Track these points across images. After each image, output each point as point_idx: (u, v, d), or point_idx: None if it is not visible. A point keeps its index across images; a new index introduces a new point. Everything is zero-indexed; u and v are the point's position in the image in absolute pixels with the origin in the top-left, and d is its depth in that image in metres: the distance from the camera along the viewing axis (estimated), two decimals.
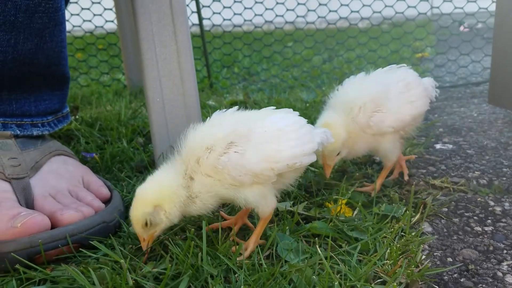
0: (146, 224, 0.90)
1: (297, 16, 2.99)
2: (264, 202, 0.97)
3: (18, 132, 1.23)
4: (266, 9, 2.95)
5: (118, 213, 1.13)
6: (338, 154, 1.22)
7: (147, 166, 1.42)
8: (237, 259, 0.94)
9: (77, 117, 1.96)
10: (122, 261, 0.89)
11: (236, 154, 0.90)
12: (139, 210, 0.91)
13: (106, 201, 1.18)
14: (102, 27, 2.95)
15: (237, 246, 0.96)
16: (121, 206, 1.17)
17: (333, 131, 1.12)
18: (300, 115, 1.05)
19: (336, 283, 0.79)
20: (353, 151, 1.27)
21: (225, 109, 1.04)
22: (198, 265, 0.90)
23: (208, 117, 1.01)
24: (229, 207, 1.23)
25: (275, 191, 1.01)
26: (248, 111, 1.03)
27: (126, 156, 1.50)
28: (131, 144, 1.62)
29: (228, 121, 0.97)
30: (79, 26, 2.94)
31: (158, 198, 0.92)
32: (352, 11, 2.87)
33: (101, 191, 1.19)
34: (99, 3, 2.87)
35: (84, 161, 1.47)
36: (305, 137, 0.99)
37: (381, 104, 1.21)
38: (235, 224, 1.10)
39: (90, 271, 0.85)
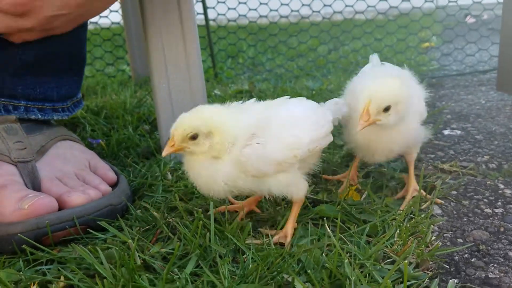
0: (191, 137, 0.88)
1: (302, 5, 2.97)
2: (295, 188, 0.96)
3: (40, 116, 1.24)
4: None
5: (125, 197, 1.12)
6: (388, 111, 1.00)
7: (153, 152, 1.42)
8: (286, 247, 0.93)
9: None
10: (130, 241, 0.88)
11: (258, 145, 0.89)
12: (196, 120, 0.89)
13: (113, 185, 1.18)
14: (107, 17, 2.94)
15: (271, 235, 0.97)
16: (128, 190, 1.16)
17: (397, 81, 1.02)
18: None
19: (346, 261, 0.78)
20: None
21: (242, 101, 1.02)
22: (206, 245, 0.89)
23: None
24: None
25: (303, 175, 1.00)
26: (264, 101, 1.02)
27: (132, 143, 1.50)
28: (137, 132, 1.62)
29: (249, 112, 0.96)
30: None
31: (221, 125, 0.89)
32: (357, 0, 2.84)
33: (108, 175, 1.18)
34: None
35: (90, 147, 1.46)
36: (321, 120, 0.99)
37: None
38: (242, 209, 1.09)
39: (98, 250, 0.85)
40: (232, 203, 1.13)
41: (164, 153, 0.90)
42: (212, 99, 2.17)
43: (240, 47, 3.44)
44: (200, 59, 1.43)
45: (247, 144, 0.89)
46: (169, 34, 1.37)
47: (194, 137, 0.88)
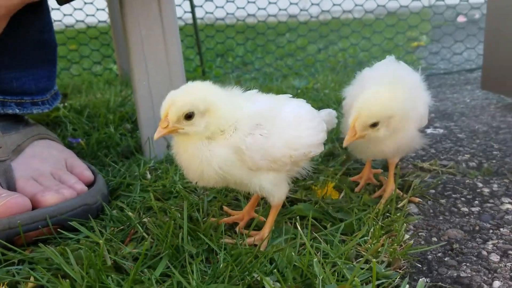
0: (187, 116, 0.81)
1: (290, 4, 2.97)
2: (277, 189, 0.93)
3: (17, 111, 1.23)
4: None
5: (101, 196, 1.11)
6: (376, 126, 0.97)
7: (133, 151, 1.41)
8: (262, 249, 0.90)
9: (65, 104, 1.94)
10: (100, 241, 0.87)
11: (261, 137, 0.85)
12: (192, 96, 0.83)
13: (90, 185, 1.17)
14: (93, 15, 2.92)
15: (249, 237, 0.95)
16: (105, 189, 1.15)
17: (387, 95, 0.97)
18: None
19: (315, 260, 0.78)
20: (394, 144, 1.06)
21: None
22: (178, 245, 0.89)
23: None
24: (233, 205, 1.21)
25: (288, 179, 0.97)
26: (265, 95, 0.97)
27: (112, 142, 1.49)
28: (119, 131, 1.61)
29: (254, 101, 0.91)
30: (70, 15, 2.91)
31: (218, 103, 0.85)
32: None
33: (84, 175, 1.17)
34: None
35: (70, 146, 1.45)
36: (319, 126, 0.97)
37: None
38: (242, 219, 1.05)
39: (67, 251, 0.84)
40: (231, 215, 1.08)
41: (156, 136, 0.83)
42: None
43: (229, 46, 3.43)
44: (181, 56, 1.42)
45: (250, 133, 0.84)
46: (148, 30, 1.36)
47: (189, 116, 0.82)
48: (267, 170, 0.88)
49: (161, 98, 1.40)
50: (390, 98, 0.97)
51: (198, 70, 2.89)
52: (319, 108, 1.92)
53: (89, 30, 3.10)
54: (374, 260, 0.73)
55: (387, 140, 1.02)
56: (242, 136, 0.84)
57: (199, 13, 2.89)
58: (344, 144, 0.97)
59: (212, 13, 2.99)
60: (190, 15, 2.78)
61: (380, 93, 0.97)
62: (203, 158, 0.84)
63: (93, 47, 3.12)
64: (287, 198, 1.14)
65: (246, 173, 0.87)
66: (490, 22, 2.01)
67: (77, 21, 2.96)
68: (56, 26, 3.18)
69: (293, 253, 0.84)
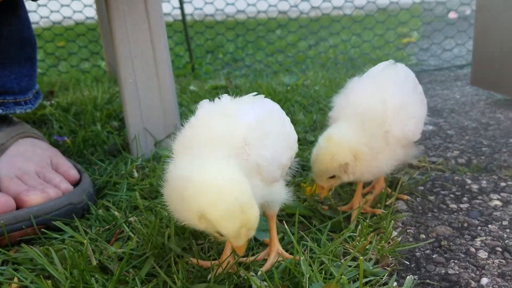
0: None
1: (280, 0, 2.95)
2: (280, 198, 0.85)
3: (0, 111, 1.20)
4: None
5: (87, 195, 1.10)
6: (334, 177, 0.96)
7: (120, 150, 1.39)
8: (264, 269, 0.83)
9: (52, 102, 1.92)
10: (85, 241, 0.86)
11: (272, 146, 0.78)
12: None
13: (76, 184, 1.15)
14: (81, 11, 2.89)
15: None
16: (91, 188, 1.14)
17: (333, 147, 0.93)
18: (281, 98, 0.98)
19: (302, 258, 0.77)
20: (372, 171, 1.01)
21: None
22: (165, 244, 0.87)
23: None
24: None
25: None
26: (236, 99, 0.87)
27: (99, 140, 1.47)
28: (106, 128, 1.59)
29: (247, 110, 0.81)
30: (58, 11, 2.88)
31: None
32: None
33: (69, 173, 1.16)
34: None
35: (56, 144, 1.43)
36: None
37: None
38: None
39: (51, 251, 0.82)
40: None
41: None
42: (187, 95, 2.14)
43: (219, 43, 3.41)
44: (168, 53, 1.40)
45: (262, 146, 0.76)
46: (134, 26, 1.34)
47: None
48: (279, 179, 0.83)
49: (149, 97, 1.40)
50: (335, 150, 0.92)
51: (187, 67, 2.87)
52: (309, 104, 1.92)
53: (77, 26, 3.07)
54: (362, 257, 0.72)
55: (381, 160, 0.99)
56: (254, 151, 0.75)
57: (188, 9, 2.87)
58: (320, 198, 1.01)
59: (201, 9, 2.97)
60: (179, 11, 2.76)
61: (326, 147, 0.93)
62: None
63: (81, 44, 3.08)
64: None
65: (267, 190, 0.79)
66: (479, 18, 2.01)
67: (64, 17, 2.92)
68: (44, 23, 3.15)
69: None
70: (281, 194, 0.83)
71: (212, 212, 0.64)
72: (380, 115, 0.97)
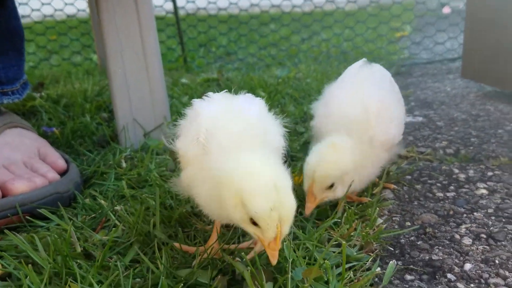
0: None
1: None
2: None
3: None
4: None
5: (74, 185, 1.10)
6: (332, 187, 0.93)
7: (109, 141, 1.39)
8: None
9: (42, 94, 1.91)
10: (69, 227, 0.86)
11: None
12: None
13: (63, 174, 1.15)
14: (72, 4, 2.87)
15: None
16: (78, 178, 1.14)
17: (337, 154, 0.92)
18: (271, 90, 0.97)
19: (285, 243, 0.77)
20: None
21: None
22: (150, 232, 0.87)
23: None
24: None
25: None
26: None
27: (88, 131, 1.47)
28: (95, 120, 1.58)
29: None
30: (49, 4, 2.86)
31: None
32: None
33: (57, 163, 1.15)
34: None
35: (44, 135, 1.43)
36: None
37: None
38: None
39: (35, 238, 0.82)
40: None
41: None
42: (179, 88, 2.14)
43: (211, 36, 3.40)
44: (157, 45, 1.40)
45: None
46: (123, 18, 1.33)
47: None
48: None
49: (138, 88, 1.40)
50: (340, 157, 0.92)
51: (180, 60, 2.87)
52: (300, 97, 1.92)
53: (69, 19, 3.05)
54: (345, 242, 0.73)
55: (368, 168, 0.99)
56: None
57: (180, 2, 2.86)
58: (306, 213, 0.92)
59: (193, 1, 2.96)
60: (171, 4, 2.75)
61: (330, 154, 0.91)
62: None
63: (72, 37, 3.07)
64: None
65: None
66: (470, 11, 2.01)
67: (56, 10, 2.90)
68: (36, 17, 3.13)
69: None
70: None
71: (245, 189, 0.65)
72: (363, 122, 0.97)
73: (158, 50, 1.40)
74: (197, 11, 3.19)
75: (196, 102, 0.82)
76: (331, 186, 0.92)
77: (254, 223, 0.66)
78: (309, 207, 0.91)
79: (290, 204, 0.66)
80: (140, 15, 1.35)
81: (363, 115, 0.96)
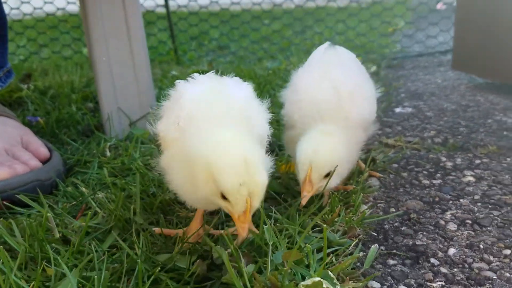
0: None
1: None
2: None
3: None
4: None
5: (56, 173, 1.08)
6: (328, 176, 0.88)
7: (93, 130, 1.37)
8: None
9: (29, 85, 1.89)
10: (49, 214, 0.84)
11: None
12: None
13: (46, 162, 1.13)
14: None
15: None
16: (60, 166, 1.12)
17: (333, 142, 0.89)
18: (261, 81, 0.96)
19: (265, 227, 0.76)
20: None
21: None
22: (131, 218, 0.86)
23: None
24: None
25: None
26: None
27: (73, 121, 1.45)
28: (81, 110, 1.57)
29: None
30: None
31: None
32: None
33: (39, 151, 1.14)
34: None
35: (29, 125, 1.41)
36: None
37: None
38: None
39: (12, 224, 0.81)
40: None
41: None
42: (168, 79, 2.12)
43: (203, 29, 3.38)
44: (143, 33, 1.38)
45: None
46: (108, 5, 1.31)
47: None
48: None
49: (123, 76, 1.38)
50: (337, 145, 0.89)
51: (171, 53, 2.85)
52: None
53: (58, 12, 3.02)
54: (326, 226, 0.72)
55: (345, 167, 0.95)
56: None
57: None
58: (303, 203, 0.86)
59: None
60: None
61: (326, 141, 0.88)
62: None
63: (63, 30, 3.04)
64: None
65: None
66: (460, 3, 2.01)
67: (45, 2, 2.87)
68: (26, 9, 3.10)
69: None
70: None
71: (215, 164, 0.64)
72: (335, 103, 0.94)
73: (143, 37, 1.38)
74: (188, 3, 3.17)
75: (179, 83, 0.81)
76: (327, 174, 0.88)
77: (225, 197, 0.65)
78: (306, 197, 0.86)
79: (260, 179, 0.65)
80: (125, 1, 1.33)
81: (334, 97, 0.94)
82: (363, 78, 1.04)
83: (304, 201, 0.86)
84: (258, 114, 0.81)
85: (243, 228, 0.67)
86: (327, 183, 0.88)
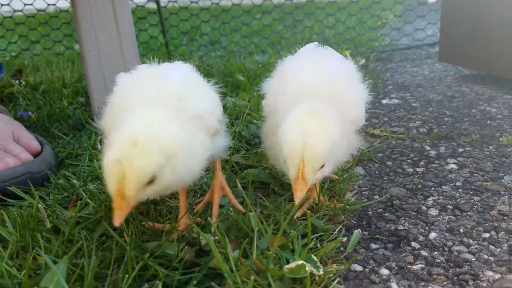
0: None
1: None
2: (223, 147, 0.86)
3: None
4: None
5: (47, 166, 1.10)
6: (323, 166, 0.74)
7: (84, 124, 1.39)
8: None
9: (21, 80, 1.90)
10: (40, 205, 0.86)
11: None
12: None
13: (37, 155, 1.15)
14: None
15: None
16: (52, 159, 1.14)
17: (323, 125, 0.74)
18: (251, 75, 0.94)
19: (251, 214, 0.78)
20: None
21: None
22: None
23: None
24: None
25: None
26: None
27: (64, 115, 1.46)
28: (73, 105, 1.58)
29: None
30: None
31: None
32: None
33: (31, 145, 1.15)
34: None
35: (21, 120, 1.42)
36: None
37: None
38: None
39: (3, 214, 0.82)
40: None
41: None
42: None
43: (194, 24, 3.39)
44: (132, 26, 1.40)
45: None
46: None
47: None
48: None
49: (112, 69, 1.39)
50: (327, 126, 0.74)
51: (162, 49, 2.86)
52: None
53: (50, 8, 3.02)
54: (309, 212, 0.74)
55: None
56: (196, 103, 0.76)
57: None
58: (297, 202, 0.72)
59: None
60: None
61: (316, 126, 0.73)
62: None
63: (54, 27, 3.04)
64: (239, 164, 1.14)
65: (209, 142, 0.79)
66: None
67: None
68: (17, 6, 3.10)
69: (231, 209, 0.84)
70: (224, 144, 0.85)
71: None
72: (330, 93, 0.82)
73: (132, 30, 1.40)
74: None
75: (119, 76, 0.82)
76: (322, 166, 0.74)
77: None
78: (300, 197, 0.72)
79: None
80: None
81: (329, 87, 0.82)
82: (356, 79, 0.93)
83: (298, 201, 0.72)
84: (197, 94, 0.78)
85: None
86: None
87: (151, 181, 0.62)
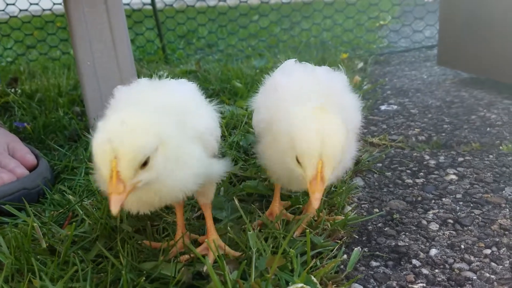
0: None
1: None
2: (218, 175, 0.81)
3: None
4: None
5: (43, 180, 1.08)
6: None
7: (80, 135, 1.38)
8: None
9: (16, 89, 1.88)
10: (35, 224, 0.85)
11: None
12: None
13: (33, 169, 1.13)
14: None
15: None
16: (48, 173, 1.12)
17: (336, 122, 0.69)
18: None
19: (250, 233, 0.77)
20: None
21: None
22: (118, 226, 0.87)
23: None
24: None
25: None
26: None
27: (60, 125, 1.45)
28: (68, 114, 1.56)
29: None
30: None
31: None
32: None
33: (26, 158, 1.14)
34: None
35: (16, 131, 1.40)
36: None
37: None
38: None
39: None
40: None
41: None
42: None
43: (190, 27, 3.37)
44: (127, 34, 1.38)
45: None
46: (91, 7, 1.31)
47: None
48: None
49: (108, 78, 1.38)
50: (336, 119, 0.70)
51: (159, 52, 2.84)
52: None
53: (45, 13, 3.00)
54: (308, 229, 0.73)
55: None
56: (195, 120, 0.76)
57: None
58: (317, 205, 0.67)
59: None
60: None
61: (327, 120, 0.69)
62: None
63: (50, 31, 3.02)
64: (237, 176, 1.13)
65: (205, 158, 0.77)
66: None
67: (31, 4, 2.85)
68: (12, 11, 3.08)
69: (228, 227, 0.83)
70: (220, 168, 0.80)
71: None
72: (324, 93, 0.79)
73: (127, 38, 1.38)
74: (175, 1, 3.16)
75: (117, 89, 0.81)
76: None
77: None
78: (318, 198, 0.67)
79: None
80: (108, 2, 1.33)
81: (328, 95, 0.79)
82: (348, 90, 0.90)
83: (317, 205, 0.67)
84: (197, 109, 0.78)
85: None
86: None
87: (145, 164, 0.61)
